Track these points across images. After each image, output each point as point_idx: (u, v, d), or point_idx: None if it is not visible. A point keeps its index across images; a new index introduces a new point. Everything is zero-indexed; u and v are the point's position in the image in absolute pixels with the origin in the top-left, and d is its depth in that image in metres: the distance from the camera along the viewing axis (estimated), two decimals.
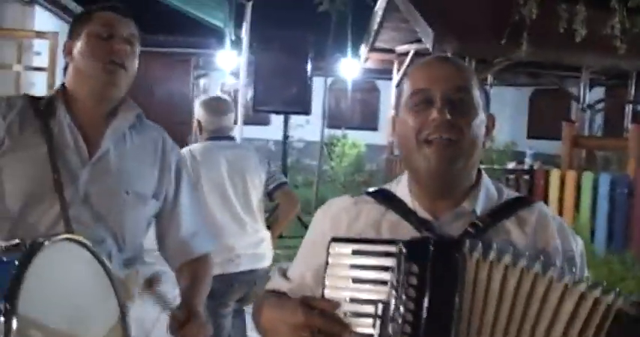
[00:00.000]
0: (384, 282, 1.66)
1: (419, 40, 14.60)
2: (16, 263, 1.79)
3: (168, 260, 2.76)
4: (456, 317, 1.62)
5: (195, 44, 20.24)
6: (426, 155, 1.80)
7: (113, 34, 2.46)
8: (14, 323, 1.67)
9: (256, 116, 12.52)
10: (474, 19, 13.26)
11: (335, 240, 1.76)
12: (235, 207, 4.60)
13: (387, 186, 2.00)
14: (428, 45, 13.20)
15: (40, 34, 11.51)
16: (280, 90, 9.74)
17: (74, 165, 2.42)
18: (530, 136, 22.18)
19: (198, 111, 4.71)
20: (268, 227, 4.85)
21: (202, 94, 14.41)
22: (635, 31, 9.52)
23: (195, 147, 4.65)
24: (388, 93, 19.38)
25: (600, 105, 17.80)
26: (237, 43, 12.16)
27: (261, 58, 9.99)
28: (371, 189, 2.00)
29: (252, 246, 4.64)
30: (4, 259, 1.85)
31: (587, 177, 9.26)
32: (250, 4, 8.94)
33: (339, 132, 18.92)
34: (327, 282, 1.73)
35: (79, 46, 2.48)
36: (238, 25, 10.82)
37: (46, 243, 1.88)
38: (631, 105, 15.88)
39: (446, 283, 1.63)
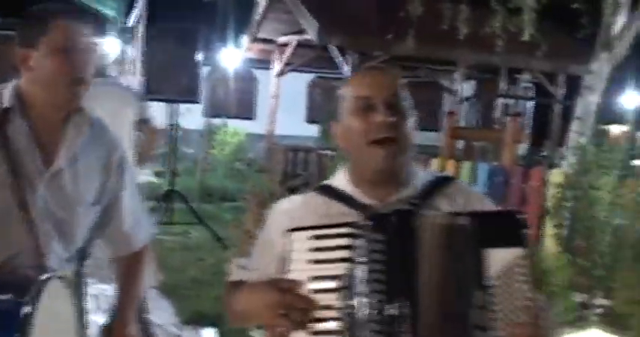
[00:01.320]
0: (343, 259, 1.92)
1: (301, 32, 14.85)
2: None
3: (108, 249, 2.82)
4: (419, 273, 1.88)
5: None
6: (375, 153, 2.10)
7: (74, 46, 2.42)
8: None
9: None
10: (358, 14, 13.61)
11: (292, 229, 2.01)
12: None
13: (326, 182, 2.28)
14: (312, 37, 13.46)
15: None
16: (170, 80, 9.80)
17: (32, 176, 2.44)
18: None
19: None
20: None
21: None
22: (511, 30, 10.06)
23: None
24: (266, 83, 19.55)
25: (474, 99, 18.49)
26: (123, 31, 12.07)
27: (151, 48, 10.02)
28: (315, 186, 2.30)
29: None
30: None
31: (467, 167, 9.65)
32: None
33: (217, 121, 18.94)
34: (290, 267, 1.97)
35: (38, 58, 2.42)
36: (127, 14, 10.78)
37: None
38: (501, 99, 16.60)
39: (407, 246, 1.90)
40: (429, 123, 26.69)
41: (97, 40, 2.61)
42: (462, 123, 15.58)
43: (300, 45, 15.80)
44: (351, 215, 2.08)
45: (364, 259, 1.89)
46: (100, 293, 6.57)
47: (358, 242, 1.91)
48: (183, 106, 13.32)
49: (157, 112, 13.23)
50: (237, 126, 19.49)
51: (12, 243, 2.40)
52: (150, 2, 9.09)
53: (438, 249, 1.90)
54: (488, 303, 1.85)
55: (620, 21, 9.13)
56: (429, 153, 15.21)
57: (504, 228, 1.94)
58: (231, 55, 17.40)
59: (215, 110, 18.71)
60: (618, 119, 17.11)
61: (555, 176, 8.17)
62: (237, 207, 12.96)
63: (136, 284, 2.83)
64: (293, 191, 7.94)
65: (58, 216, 2.48)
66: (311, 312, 1.90)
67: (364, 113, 2.10)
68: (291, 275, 1.95)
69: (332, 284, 1.91)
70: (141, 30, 9.14)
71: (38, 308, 2.08)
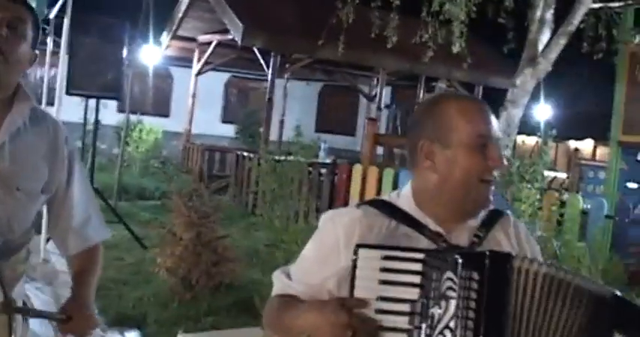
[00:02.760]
0: (415, 285, 1.92)
1: (222, 31, 14.81)
2: None
3: (60, 247, 2.73)
4: (511, 318, 1.89)
5: None
6: (485, 191, 2.08)
7: None
8: None
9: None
10: (282, 17, 13.65)
11: (361, 246, 1.99)
12: None
13: (386, 199, 2.24)
14: (236, 37, 13.43)
15: None
16: (94, 76, 9.68)
17: None
18: (317, 130, 22.69)
19: None
20: None
21: None
22: (438, 42, 10.25)
23: None
24: (182, 81, 19.45)
25: (393, 106, 18.75)
26: (44, 22, 11.81)
27: (76, 42, 9.84)
28: (372, 201, 2.26)
29: None
30: None
31: (389, 173, 9.78)
32: None
33: (134, 117, 18.73)
34: (356, 283, 1.95)
35: None
36: (49, 6, 10.54)
37: None
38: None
39: (500, 289, 1.89)
40: (346, 128, 27.08)
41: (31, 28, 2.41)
42: (382, 130, 15.75)
43: (220, 44, 15.75)
44: (419, 239, 2.09)
45: (454, 294, 1.87)
46: (34, 295, 6.44)
47: (435, 272, 1.90)
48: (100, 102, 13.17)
49: (74, 106, 13.10)
50: (153, 124, 19.29)
51: None
52: None
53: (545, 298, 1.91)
54: None
55: (545, 38, 9.38)
56: (347, 157, 15.37)
57: None
58: (151, 52, 17.21)
59: (132, 107, 18.54)
60: (529, 130, 17.52)
61: None
62: (154, 206, 12.84)
63: (91, 277, 2.69)
64: (218, 192, 7.96)
65: None
66: (378, 335, 1.90)
67: (481, 151, 2.06)
68: (357, 293, 1.94)
69: (402, 307, 1.92)
70: (66, 22, 8.92)
71: None
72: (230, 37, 14.20)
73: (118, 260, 8.71)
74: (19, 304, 2.49)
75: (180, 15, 16.09)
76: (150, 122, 19.32)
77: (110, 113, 15.99)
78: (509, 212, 2.30)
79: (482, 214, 2.19)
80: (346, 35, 11.20)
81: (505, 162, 2.11)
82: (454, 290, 1.87)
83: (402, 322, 1.91)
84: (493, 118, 2.13)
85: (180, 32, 16.69)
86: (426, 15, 9.97)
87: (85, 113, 10.64)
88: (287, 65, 15.98)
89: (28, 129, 2.48)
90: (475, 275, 1.87)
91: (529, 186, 7.81)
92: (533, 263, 1.93)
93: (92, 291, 2.65)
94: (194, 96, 17.71)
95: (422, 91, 17.14)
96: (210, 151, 16.88)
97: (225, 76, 24.17)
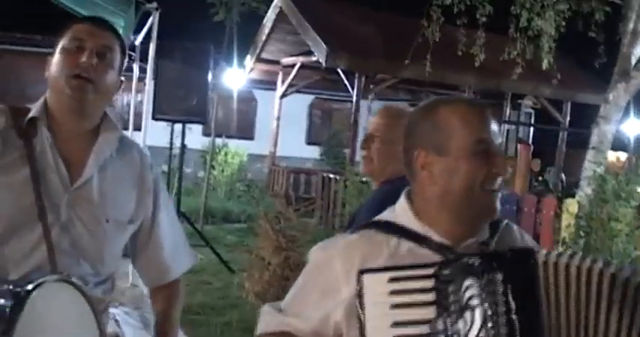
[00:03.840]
0: (430, 303, 1.77)
1: (305, 53, 14.82)
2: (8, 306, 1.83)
3: (144, 278, 2.69)
4: (546, 316, 1.74)
5: None
6: (490, 200, 1.93)
7: (83, 46, 2.34)
8: None
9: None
10: (367, 38, 13.59)
11: (364, 271, 1.83)
12: None
13: (382, 218, 2.07)
14: (320, 59, 13.41)
15: None
16: (180, 100, 9.74)
17: (56, 190, 2.34)
18: None
19: None
20: None
21: None
22: (525, 58, 10.07)
23: None
24: (265, 104, 19.51)
25: None
26: (130, 49, 11.98)
27: (161, 67, 9.93)
28: (367, 223, 2.07)
29: None
30: None
31: None
32: (158, 12, 8.84)
33: (219, 141, 18.86)
34: (366, 313, 1.79)
35: (52, 62, 2.37)
36: (135, 32, 10.68)
37: (40, 286, 1.93)
38: (506, 125, 16.59)
39: (529, 287, 1.75)
40: None
41: (118, 56, 2.43)
42: None
43: (304, 66, 15.76)
44: (425, 255, 1.92)
45: (477, 301, 1.74)
46: (123, 320, 6.46)
47: (450, 285, 1.77)
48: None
49: (160, 131, 13.21)
50: (238, 147, 19.40)
51: (30, 258, 2.28)
52: (161, 20, 8.96)
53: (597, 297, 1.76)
54: None
55: (638, 51, 9.09)
56: None
57: None
58: (235, 75, 17.34)
59: (216, 130, 18.69)
60: (622, 147, 17.11)
61: (571, 205, 8.08)
62: (240, 229, 12.88)
63: (176, 313, 2.67)
64: (305, 215, 7.89)
65: (80, 233, 2.36)
66: None
67: (482, 157, 1.90)
68: (368, 323, 1.79)
69: (421, 330, 1.77)
70: (152, 48, 8.99)
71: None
72: (314, 58, 14.20)
73: (205, 285, 8.72)
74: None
75: (263, 38, 16.16)
76: (235, 145, 19.43)
77: (195, 137, 16.07)
78: (507, 220, 2.10)
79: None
80: (432, 54, 11.07)
81: (509, 170, 1.94)
82: (477, 297, 1.74)
83: None
84: (493, 122, 1.95)
85: (264, 55, 16.77)
86: (514, 31, 9.77)
87: (171, 137, 10.75)
88: (371, 86, 15.87)
89: (115, 160, 2.47)
90: (498, 277, 1.74)
91: (625, 204, 7.53)
92: (561, 256, 1.77)
93: (176, 330, 2.63)
94: (278, 118, 17.74)
95: (508, 109, 16.86)
96: (296, 173, 16.90)
97: (309, 98, 24.19)
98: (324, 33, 13.48)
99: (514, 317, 1.72)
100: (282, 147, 18.66)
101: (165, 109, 9.83)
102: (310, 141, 24.57)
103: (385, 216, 2.07)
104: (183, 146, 10.64)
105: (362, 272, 1.82)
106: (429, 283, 1.79)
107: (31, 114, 2.38)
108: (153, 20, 9.01)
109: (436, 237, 1.95)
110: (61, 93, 2.35)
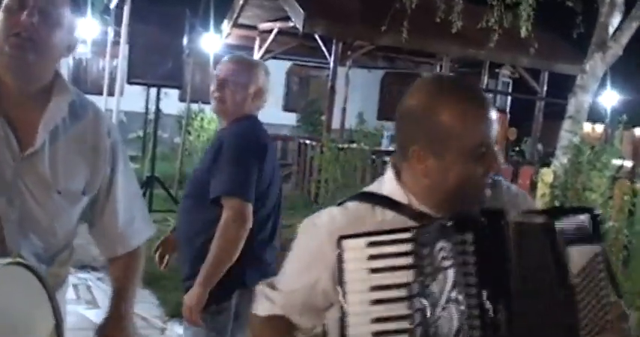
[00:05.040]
0: (409, 266, 1.80)
1: (283, 19, 14.69)
2: None
3: (101, 248, 2.63)
4: (513, 276, 1.77)
5: None
6: (478, 194, 1.92)
7: (24, 4, 2.23)
8: None
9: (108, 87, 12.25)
10: (345, 3, 13.50)
11: (344, 237, 1.83)
12: None
13: (367, 189, 2.08)
14: (298, 25, 13.29)
15: None
16: (155, 64, 9.67)
17: (3, 159, 2.25)
18: (380, 118, 22.53)
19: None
20: None
21: None
22: (504, 26, 10.03)
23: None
24: None
25: None
26: (104, 12, 11.83)
27: (136, 31, 9.85)
28: (352, 196, 2.06)
29: None
30: None
31: None
32: None
33: (194, 106, 18.72)
34: (345, 277, 1.81)
35: None
36: None
37: None
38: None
39: (497, 247, 1.78)
40: None
41: (68, 14, 2.31)
42: None
43: (281, 32, 15.63)
44: (407, 223, 1.91)
45: (449, 262, 1.76)
46: (81, 283, 6.39)
47: (426, 248, 1.79)
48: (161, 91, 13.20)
49: (136, 96, 13.11)
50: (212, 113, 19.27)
51: None
52: None
53: (524, 248, 1.80)
54: (573, 302, 1.81)
55: (615, 21, 9.08)
56: None
57: (581, 225, 1.89)
58: (212, 41, 17.17)
59: (193, 95, 18.55)
60: (597, 117, 17.16)
61: (546, 175, 8.09)
62: None
63: (132, 285, 2.63)
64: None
65: (29, 206, 2.28)
66: None
67: (479, 158, 1.87)
68: (348, 287, 1.81)
69: (399, 293, 1.80)
70: (126, 11, 8.89)
71: None
72: (291, 24, 14.06)
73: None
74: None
75: (240, 2, 15.96)
76: (209, 110, 19.32)
77: (172, 102, 15.98)
78: (500, 177, 2.09)
79: None
80: (409, 21, 11.01)
81: (502, 164, 1.94)
82: (449, 258, 1.76)
83: (402, 308, 1.79)
84: (493, 118, 1.91)
85: (241, 20, 16.56)
86: None
87: (147, 103, 10.68)
88: (349, 52, 15.78)
89: (69, 127, 2.36)
90: (469, 237, 1.76)
91: (600, 174, 7.55)
92: (530, 215, 1.84)
93: (132, 307, 2.59)
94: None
95: (486, 78, 16.83)
96: (273, 140, 16.81)
97: (286, 65, 24.06)
98: None
99: (483, 277, 1.74)
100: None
101: (140, 74, 9.78)
102: (287, 108, 24.48)
103: (371, 187, 2.08)
104: (157, 111, 10.59)
105: (342, 237, 1.84)
106: (406, 247, 1.81)
107: None
108: None
109: (417, 206, 1.95)
110: (2, 53, 2.24)
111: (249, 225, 3.43)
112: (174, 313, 6.20)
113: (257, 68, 3.86)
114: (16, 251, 2.16)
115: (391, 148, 14.48)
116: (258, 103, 3.83)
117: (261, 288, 2.12)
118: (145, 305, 6.45)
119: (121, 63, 9.23)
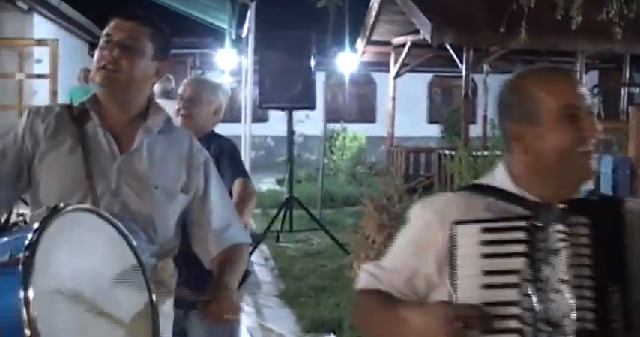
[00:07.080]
0: (519, 254, 1.86)
1: (415, 32, 14.71)
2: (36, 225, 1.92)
3: (202, 256, 2.74)
4: (630, 262, 1.82)
5: (192, 44, 20.22)
6: (585, 164, 1.96)
7: (110, 40, 2.56)
8: (33, 279, 1.78)
9: (254, 113, 12.59)
10: (470, 10, 13.39)
11: (458, 222, 1.92)
12: None
13: (480, 182, 2.16)
14: (426, 36, 13.31)
15: (40, 42, 11.66)
16: (285, 88, 9.92)
17: (105, 160, 2.54)
18: None
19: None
20: None
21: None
22: (629, 16, 9.69)
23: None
24: (384, 85, 19.44)
25: (596, 90, 17.97)
26: (237, 42, 12.26)
27: (265, 57, 10.15)
28: (464, 186, 2.22)
29: None
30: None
31: None
32: (254, 4, 9.04)
33: (337, 126, 18.98)
34: (457, 261, 1.89)
35: None
36: (239, 25, 10.94)
37: (67, 208, 2.04)
38: (627, 88, 16.05)
39: (614, 232, 1.84)
40: None
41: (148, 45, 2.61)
42: None
43: (416, 45, 15.65)
44: (520, 212, 1.98)
45: (563, 244, 1.83)
46: None
47: (540, 234, 1.85)
48: (302, 113, 13.46)
49: (277, 120, 13.34)
50: (357, 131, 19.47)
51: None
52: (259, 11, 9.16)
53: None
54: None
55: None
56: None
57: None
58: (348, 60, 17.41)
59: (334, 115, 18.82)
60: None
61: None
62: (359, 212, 12.92)
63: (233, 270, 2.68)
64: (415, 192, 7.89)
65: (130, 199, 2.54)
66: (491, 320, 1.84)
67: (572, 122, 1.94)
68: (459, 271, 1.89)
69: (509, 279, 1.86)
70: (250, 40, 9.19)
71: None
72: (422, 36, 14.08)
73: (320, 268, 8.87)
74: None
75: (372, 20, 16.12)
76: (354, 129, 19.52)
77: (316, 123, 16.24)
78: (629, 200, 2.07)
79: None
80: (530, 21, 10.82)
81: (600, 131, 1.94)
82: (564, 240, 1.81)
83: (512, 294, 1.84)
84: (582, 86, 1.97)
85: (375, 37, 16.70)
86: None
87: (289, 125, 10.89)
88: (483, 59, 15.58)
89: (163, 139, 2.67)
90: (585, 221, 1.81)
91: None
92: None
93: (235, 279, 2.67)
94: (394, 99, 17.66)
95: (627, 72, 16.25)
96: (415, 152, 16.81)
97: (427, 77, 24.10)
98: (428, 9, 13.34)
99: (597, 260, 1.80)
100: (402, 127, 18.55)
101: (270, 98, 10.04)
102: (432, 120, 24.47)
103: (483, 180, 2.17)
104: (291, 133, 10.82)
105: (456, 222, 1.92)
106: (521, 235, 1.87)
107: (83, 105, 2.63)
108: (250, 13, 9.21)
109: (530, 198, 2.01)
110: (98, 84, 2.61)
111: None
112: (308, 329, 6.40)
113: (217, 88, 4.32)
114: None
115: None
116: (218, 119, 4.30)
117: (366, 267, 2.21)
118: (282, 321, 6.65)
119: (251, 89, 9.51)
